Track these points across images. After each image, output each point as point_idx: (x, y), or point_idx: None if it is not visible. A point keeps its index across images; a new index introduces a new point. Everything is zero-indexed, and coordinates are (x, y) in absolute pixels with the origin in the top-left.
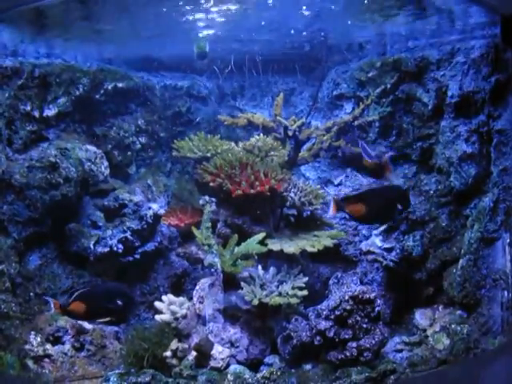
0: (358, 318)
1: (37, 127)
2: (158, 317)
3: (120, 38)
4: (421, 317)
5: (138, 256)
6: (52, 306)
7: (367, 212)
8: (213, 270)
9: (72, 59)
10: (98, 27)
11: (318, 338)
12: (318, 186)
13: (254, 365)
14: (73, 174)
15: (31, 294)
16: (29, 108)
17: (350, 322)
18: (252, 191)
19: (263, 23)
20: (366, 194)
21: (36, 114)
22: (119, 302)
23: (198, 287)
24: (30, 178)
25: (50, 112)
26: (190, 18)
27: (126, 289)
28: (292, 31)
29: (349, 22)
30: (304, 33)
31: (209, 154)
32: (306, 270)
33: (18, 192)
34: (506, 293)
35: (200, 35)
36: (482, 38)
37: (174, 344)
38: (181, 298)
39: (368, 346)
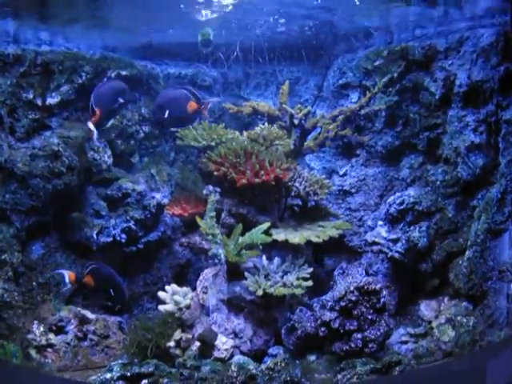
0: (363, 309)
1: (39, 115)
2: (161, 307)
3: (123, 25)
4: (426, 308)
5: (141, 246)
6: (67, 279)
7: None
8: (217, 260)
9: (75, 47)
10: (101, 14)
11: (322, 329)
12: (323, 176)
13: (258, 356)
14: (75, 163)
15: (34, 283)
16: (31, 96)
17: (355, 313)
18: (257, 180)
19: (268, 10)
20: None
21: (38, 102)
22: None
23: (201, 277)
24: (32, 166)
25: (53, 100)
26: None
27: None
28: (298, 19)
29: (355, 10)
30: (310, 21)
31: (213, 143)
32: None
33: (21, 181)
34: None
35: (204, 22)
36: (491, 26)
37: (178, 334)
38: (184, 288)
39: (373, 337)
